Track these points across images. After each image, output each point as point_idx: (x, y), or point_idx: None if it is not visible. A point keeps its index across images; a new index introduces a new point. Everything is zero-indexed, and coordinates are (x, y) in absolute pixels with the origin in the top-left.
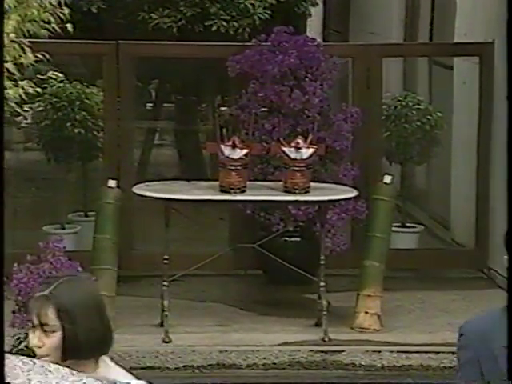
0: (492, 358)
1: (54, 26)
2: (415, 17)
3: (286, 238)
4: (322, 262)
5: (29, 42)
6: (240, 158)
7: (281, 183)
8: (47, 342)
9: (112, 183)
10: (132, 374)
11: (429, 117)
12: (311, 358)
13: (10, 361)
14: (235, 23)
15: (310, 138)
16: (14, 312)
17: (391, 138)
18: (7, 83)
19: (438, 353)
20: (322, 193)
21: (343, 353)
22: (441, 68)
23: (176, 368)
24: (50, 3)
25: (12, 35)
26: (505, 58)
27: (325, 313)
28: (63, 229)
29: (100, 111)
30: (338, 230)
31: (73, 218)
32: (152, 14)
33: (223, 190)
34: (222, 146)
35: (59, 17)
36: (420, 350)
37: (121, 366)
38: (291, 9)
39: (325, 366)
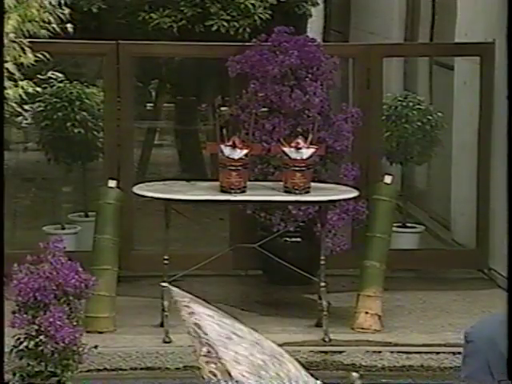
0: (502, 361)
1: (53, 26)
2: (416, 17)
3: (287, 239)
4: (323, 263)
5: (29, 41)
6: (240, 158)
7: (281, 183)
8: None
9: (112, 183)
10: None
11: (429, 117)
12: (311, 358)
13: None
14: (236, 23)
15: (310, 138)
16: (14, 312)
17: (392, 138)
18: (7, 83)
19: (439, 353)
20: (322, 193)
21: (343, 353)
22: (441, 68)
23: (176, 368)
24: (50, 3)
25: (12, 35)
26: (505, 58)
27: (325, 313)
28: (63, 229)
29: (100, 111)
30: (339, 231)
31: (73, 218)
32: (152, 14)
33: (223, 191)
34: (222, 146)
35: (59, 17)
36: (420, 351)
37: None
38: (292, 9)
39: (325, 367)
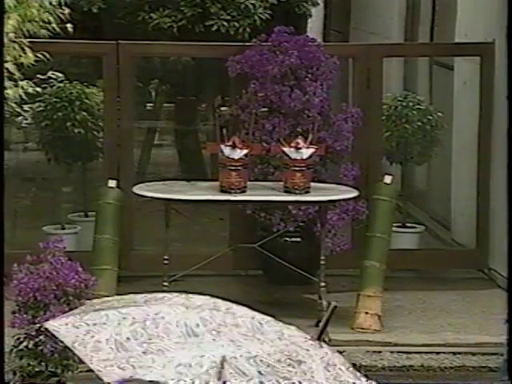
0: None
1: (53, 25)
2: (416, 17)
3: (287, 239)
4: (323, 263)
5: (29, 41)
6: (240, 158)
7: (281, 183)
8: None
9: (112, 183)
10: None
11: (429, 117)
12: None
13: None
14: (236, 23)
15: (310, 138)
16: (14, 312)
17: (391, 138)
18: (7, 83)
19: (439, 353)
20: (322, 193)
21: (344, 353)
22: (441, 68)
23: None
24: (50, 3)
25: (12, 35)
26: (505, 58)
27: (325, 313)
28: (63, 229)
29: (100, 111)
30: (339, 231)
31: (73, 218)
32: (152, 14)
33: (223, 191)
34: (222, 146)
35: (59, 17)
36: (420, 351)
37: None
38: (292, 9)
39: None
